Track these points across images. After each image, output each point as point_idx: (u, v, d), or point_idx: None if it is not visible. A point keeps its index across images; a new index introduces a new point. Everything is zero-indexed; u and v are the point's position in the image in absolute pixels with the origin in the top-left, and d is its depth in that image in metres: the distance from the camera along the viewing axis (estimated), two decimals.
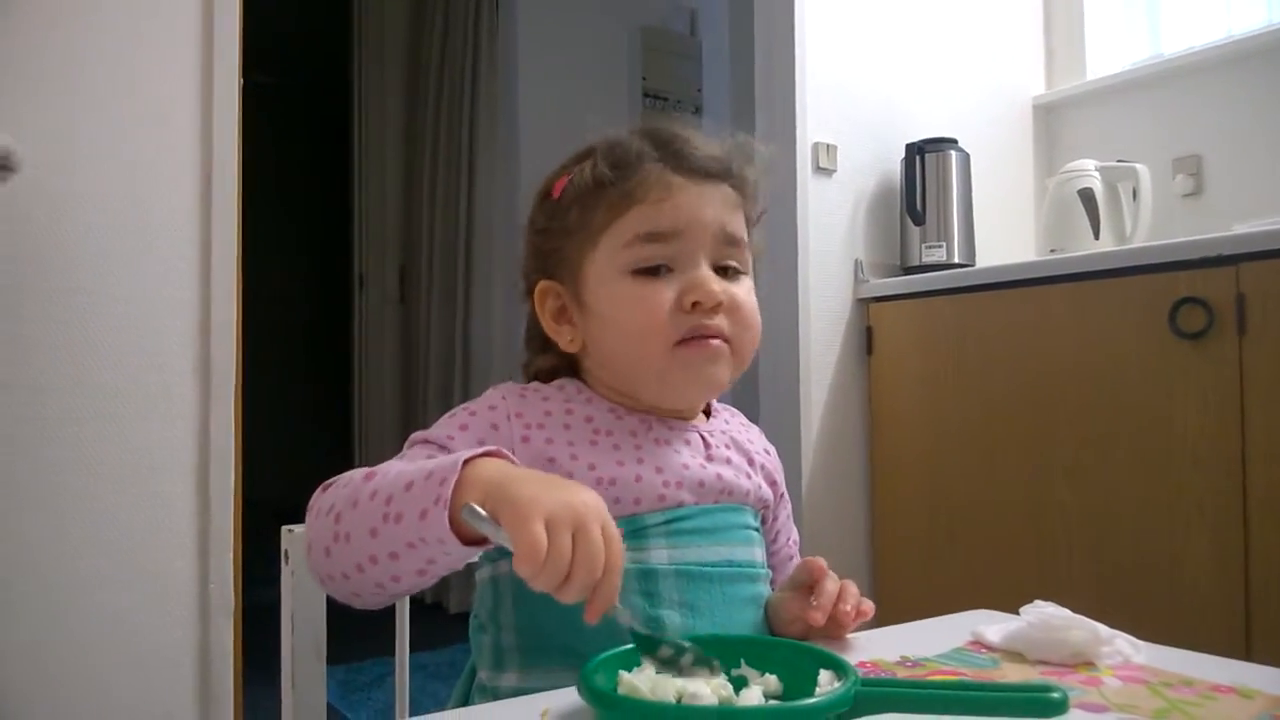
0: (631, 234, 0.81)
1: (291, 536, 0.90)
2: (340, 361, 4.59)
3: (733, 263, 0.84)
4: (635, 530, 0.78)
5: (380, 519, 0.64)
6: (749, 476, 0.87)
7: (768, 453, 0.94)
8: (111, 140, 1.46)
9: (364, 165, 4.19)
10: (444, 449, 0.79)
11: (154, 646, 1.45)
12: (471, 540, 0.62)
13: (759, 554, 0.86)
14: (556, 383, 0.88)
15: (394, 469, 0.67)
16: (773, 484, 0.92)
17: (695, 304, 0.80)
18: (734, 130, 0.89)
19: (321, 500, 0.71)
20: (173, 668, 1.47)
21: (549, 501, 0.58)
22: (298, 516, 0.97)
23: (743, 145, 0.87)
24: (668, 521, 0.79)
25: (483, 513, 0.59)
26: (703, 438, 0.87)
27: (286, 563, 0.90)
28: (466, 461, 0.63)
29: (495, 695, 0.79)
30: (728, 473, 0.85)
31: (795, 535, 0.99)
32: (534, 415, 0.82)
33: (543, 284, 0.88)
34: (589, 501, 0.60)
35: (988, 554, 2.07)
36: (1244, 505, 1.66)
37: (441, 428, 0.81)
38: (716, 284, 0.81)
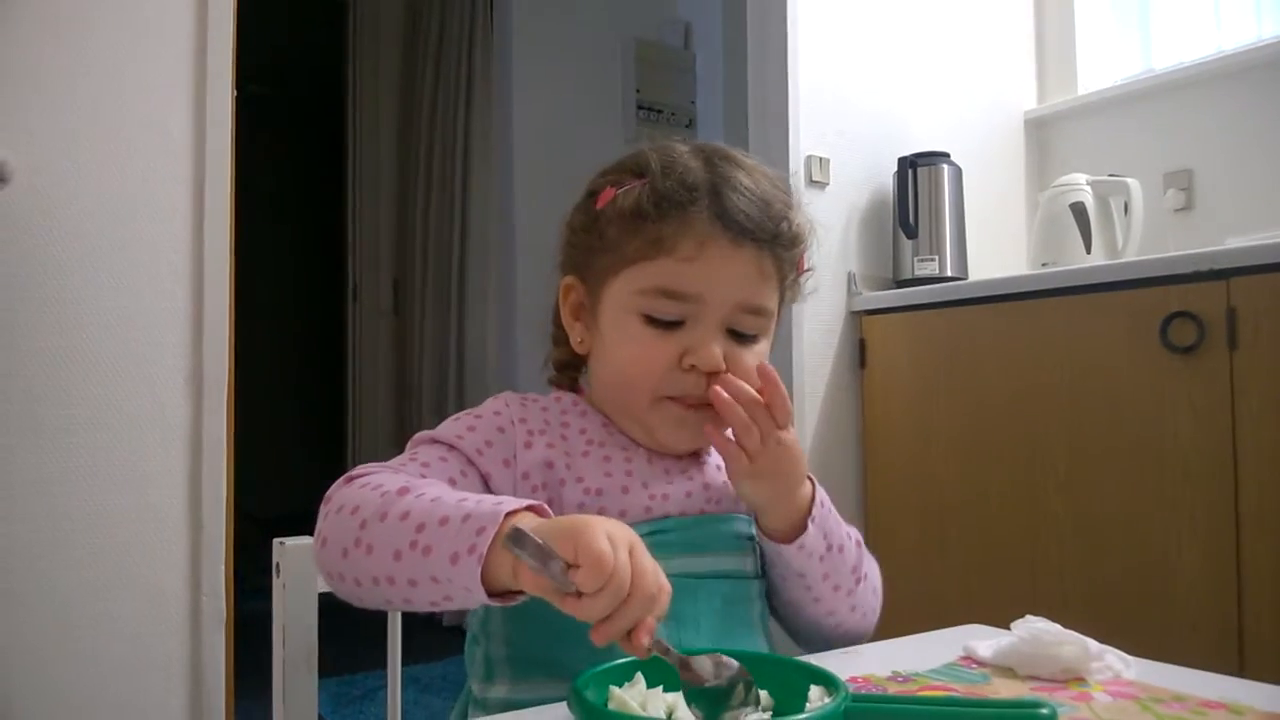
0: (653, 284, 0.80)
1: (283, 550, 0.90)
2: (334, 374, 4.58)
3: (748, 330, 0.82)
4: None
5: (408, 545, 0.63)
6: None
7: None
8: (105, 152, 1.45)
9: (358, 177, 4.19)
10: (453, 449, 0.79)
11: (146, 657, 1.45)
12: (497, 592, 0.61)
13: (749, 562, 0.85)
14: (553, 395, 0.89)
15: (429, 491, 0.66)
16: None
17: (693, 367, 0.80)
18: (784, 177, 0.87)
19: (345, 496, 0.70)
20: (165, 679, 1.46)
21: (608, 525, 0.58)
22: (290, 529, 0.97)
23: (793, 201, 0.85)
24: (652, 534, 0.79)
25: (535, 538, 0.57)
26: (693, 452, 0.88)
27: (278, 575, 0.90)
28: (508, 514, 0.62)
29: (485, 707, 0.79)
30: (717, 479, 0.85)
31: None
32: (535, 422, 0.83)
33: (569, 279, 0.88)
34: (636, 536, 0.60)
35: (980, 567, 2.07)
36: (1235, 519, 1.66)
37: (449, 429, 0.82)
38: (719, 350, 0.79)
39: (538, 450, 0.81)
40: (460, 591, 0.62)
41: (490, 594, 0.61)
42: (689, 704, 0.60)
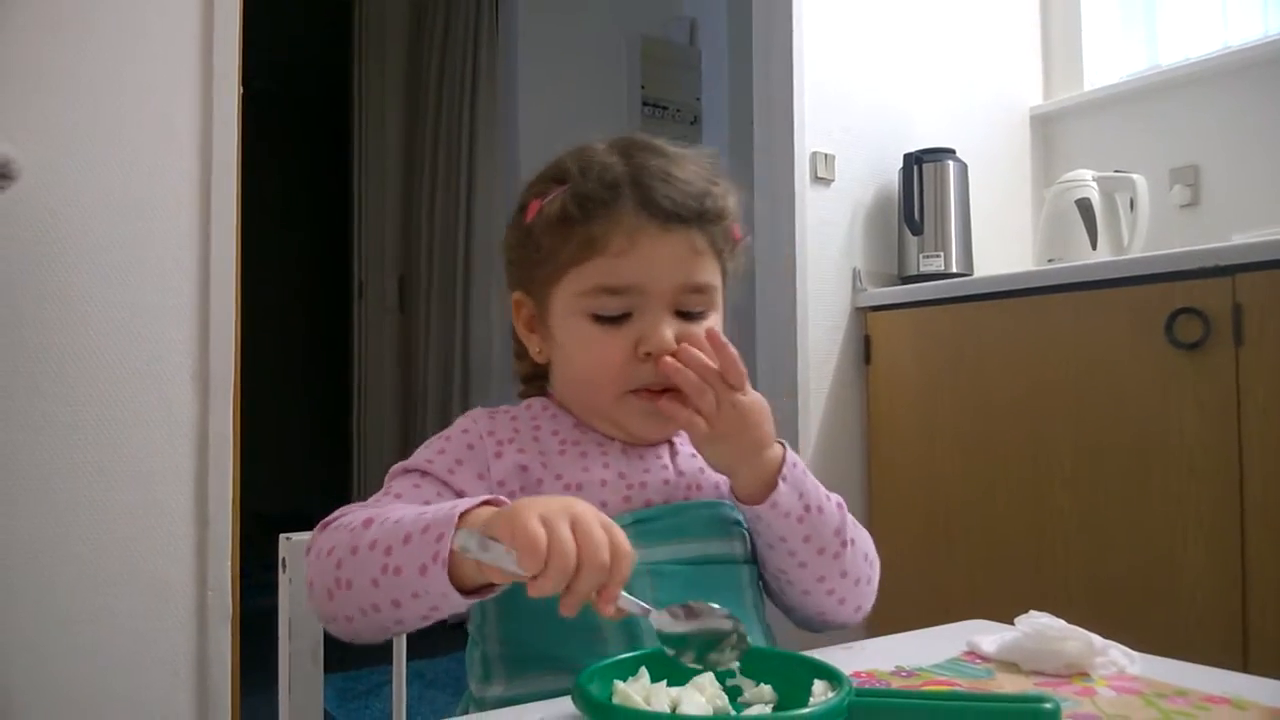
0: (593, 283, 0.82)
1: (289, 544, 0.90)
2: (339, 371, 4.59)
3: (695, 308, 0.84)
4: None
5: (380, 570, 0.64)
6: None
7: None
8: (111, 149, 1.46)
9: (363, 174, 4.19)
10: (426, 474, 0.80)
11: (152, 652, 1.46)
12: (473, 590, 0.62)
13: (738, 546, 0.85)
14: (524, 403, 0.91)
15: (392, 515, 0.67)
16: None
17: (649, 354, 0.81)
18: (703, 150, 0.89)
19: (321, 541, 0.71)
20: (171, 674, 1.47)
21: (541, 504, 0.59)
22: (296, 525, 0.97)
23: (715, 174, 0.86)
24: (635, 523, 0.80)
25: (475, 537, 0.58)
26: (669, 441, 0.89)
27: (284, 570, 0.90)
28: (462, 515, 0.63)
29: (483, 706, 0.80)
30: (692, 467, 0.86)
31: None
32: (505, 432, 0.85)
33: (517, 294, 0.91)
34: (583, 503, 0.61)
35: (985, 563, 2.07)
36: (1241, 515, 1.66)
37: (420, 455, 0.83)
38: (669, 332, 0.81)
39: (509, 458, 0.82)
40: (440, 599, 0.63)
41: (466, 593, 0.62)
42: (671, 655, 0.61)
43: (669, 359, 0.79)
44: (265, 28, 2.31)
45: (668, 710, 0.58)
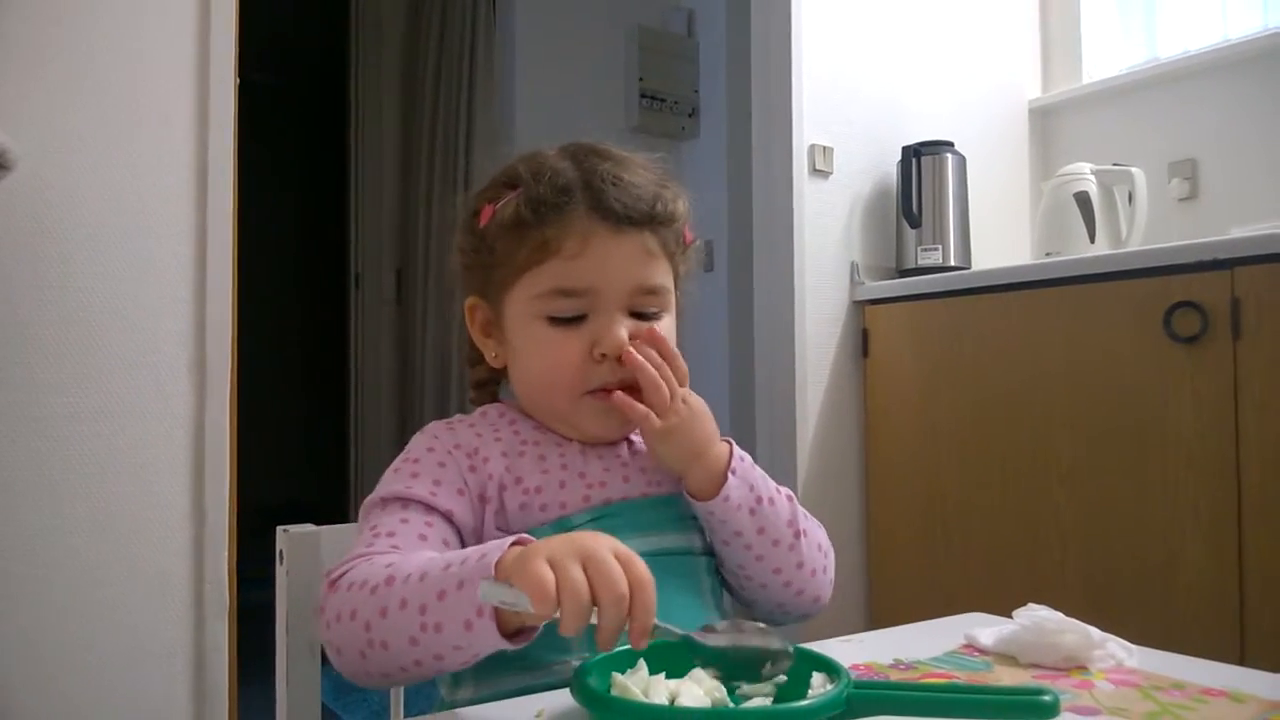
0: (547, 286, 0.83)
1: (286, 537, 0.90)
2: (336, 363, 4.58)
3: (649, 309, 0.85)
4: (563, 532, 0.78)
5: (419, 629, 0.64)
6: None
7: None
8: (107, 138, 1.45)
9: (360, 165, 4.18)
10: (408, 502, 0.79)
11: (149, 645, 1.45)
12: (518, 631, 0.62)
13: (696, 540, 0.86)
14: (479, 411, 0.91)
15: (413, 569, 0.67)
16: None
17: (604, 355, 0.82)
18: (654, 152, 0.90)
19: (338, 604, 0.70)
20: (167, 667, 1.47)
21: (552, 544, 0.59)
22: (293, 517, 0.97)
23: (665, 178, 0.88)
24: (594, 520, 0.81)
25: (496, 588, 0.58)
26: (627, 440, 0.90)
27: (281, 563, 0.90)
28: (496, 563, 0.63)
29: (454, 708, 0.80)
30: (649, 463, 0.87)
31: None
32: (469, 443, 0.85)
33: (471, 299, 0.92)
34: (599, 536, 0.61)
35: (982, 556, 2.07)
36: (1238, 509, 1.66)
37: (393, 484, 0.81)
38: (624, 333, 0.82)
39: (480, 469, 0.83)
40: (485, 648, 0.63)
41: (510, 637, 0.62)
42: (712, 671, 0.61)
43: (633, 353, 0.81)
44: (261, 18, 2.30)
45: (666, 703, 0.58)
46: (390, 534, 0.76)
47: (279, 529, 0.91)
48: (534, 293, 0.83)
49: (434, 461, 0.83)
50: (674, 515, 0.86)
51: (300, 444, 5.01)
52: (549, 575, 0.56)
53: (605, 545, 0.59)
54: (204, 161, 1.52)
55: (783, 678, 0.62)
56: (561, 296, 0.82)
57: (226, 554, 1.51)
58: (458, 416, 0.90)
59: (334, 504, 4.06)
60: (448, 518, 0.79)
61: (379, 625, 0.66)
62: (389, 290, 4.18)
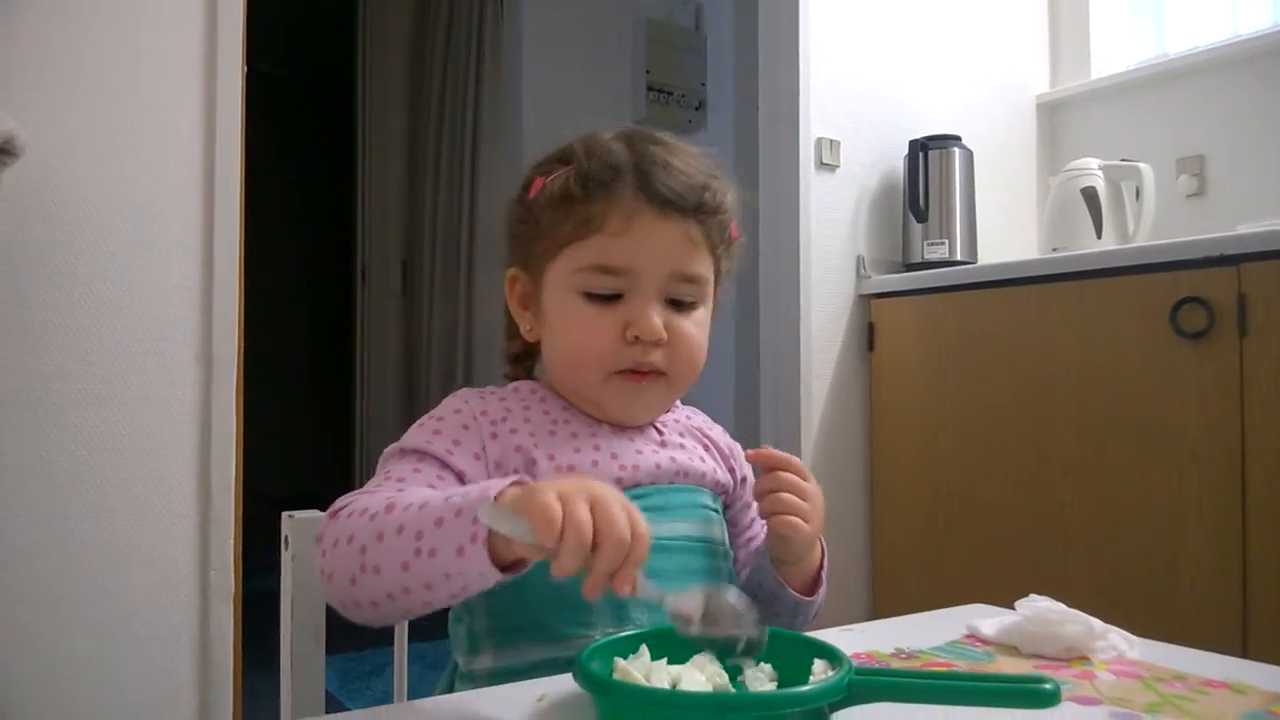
0: (588, 261, 0.83)
1: (292, 522, 0.91)
2: (342, 354, 4.59)
3: (685, 297, 0.85)
4: None
5: (413, 554, 0.64)
6: (704, 460, 0.91)
7: (729, 446, 0.97)
8: (115, 127, 1.46)
9: (367, 157, 4.19)
10: (424, 455, 0.80)
11: (155, 631, 1.46)
12: (509, 565, 0.63)
13: (717, 531, 0.88)
14: (511, 386, 0.92)
15: (413, 500, 0.68)
16: (731, 470, 0.95)
17: (636, 338, 0.83)
18: (707, 148, 0.91)
19: (336, 530, 0.71)
20: (173, 652, 1.48)
21: (561, 482, 0.60)
22: (297, 506, 0.97)
23: (716, 170, 0.88)
24: None
25: (499, 513, 0.59)
26: (656, 427, 0.91)
27: (287, 548, 0.91)
28: (495, 497, 0.63)
29: (473, 680, 0.81)
30: (681, 456, 0.89)
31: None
32: (496, 412, 0.86)
33: (513, 270, 0.92)
34: (603, 484, 0.61)
35: (986, 551, 2.07)
36: (1243, 505, 1.66)
37: (415, 436, 0.83)
38: (658, 319, 0.83)
39: (504, 438, 0.83)
40: (475, 578, 0.63)
41: (501, 570, 0.62)
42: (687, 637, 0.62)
43: (785, 498, 0.81)
44: (269, 9, 2.30)
45: (668, 687, 0.58)
46: (400, 479, 0.77)
47: (284, 514, 0.91)
48: (574, 266, 0.84)
49: (458, 423, 0.84)
50: (699, 504, 0.88)
51: (305, 435, 5.02)
52: (556, 507, 0.57)
53: (612, 492, 0.60)
54: (211, 151, 1.53)
55: (750, 661, 0.63)
56: (600, 273, 0.83)
57: (232, 540, 1.52)
58: (490, 388, 0.91)
59: (338, 494, 4.07)
60: (460, 477, 0.80)
61: (374, 549, 0.66)
62: (395, 283, 4.19)
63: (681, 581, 0.79)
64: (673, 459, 0.88)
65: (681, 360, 0.85)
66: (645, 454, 0.86)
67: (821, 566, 0.88)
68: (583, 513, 0.58)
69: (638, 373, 0.84)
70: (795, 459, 0.84)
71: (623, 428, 0.88)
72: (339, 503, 0.74)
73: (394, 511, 0.67)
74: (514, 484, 0.64)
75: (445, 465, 0.80)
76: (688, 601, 0.61)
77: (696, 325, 0.86)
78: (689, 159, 0.86)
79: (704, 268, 0.87)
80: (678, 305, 0.85)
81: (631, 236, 0.82)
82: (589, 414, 0.88)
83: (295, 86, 5.14)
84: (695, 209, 0.84)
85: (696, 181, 0.84)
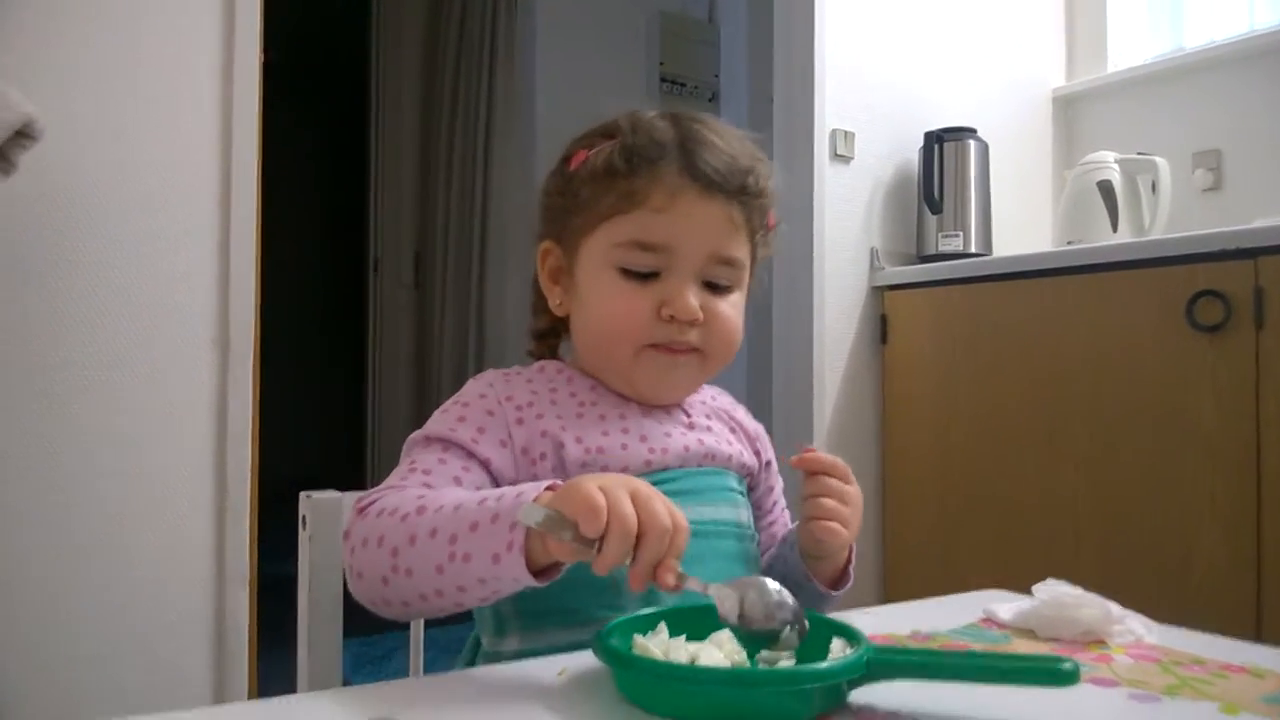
0: (627, 236, 0.82)
1: (310, 502, 0.91)
2: (354, 345, 4.60)
3: (721, 280, 0.85)
4: None
5: (446, 558, 0.65)
6: (730, 443, 0.90)
7: (755, 429, 0.97)
8: (133, 115, 1.47)
9: (379, 148, 4.19)
10: (449, 444, 0.80)
11: (170, 613, 1.47)
12: (543, 570, 0.63)
13: (744, 515, 0.88)
14: (536, 365, 0.91)
15: (446, 501, 0.68)
16: (756, 453, 0.94)
17: (672, 317, 0.82)
18: (755, 134, 0.90)
19: (365, 528, 0.71)
20: (188, 634, 1.49)
21: (600, 478, 0.61)
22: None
23: (760, 154, 0.87)
24: (654, 484, 0.80)
25: (538, 511, 0.59)
26: (683, 409, 0.90)
27: (304, 528, 0.91)
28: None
29: (497, 659, 0.80)
30: (709, 439, 0.88)
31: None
32: (522, 396, 0.85)
33: (546, 243, 0.91)
34: (640, 480, 0.62)
35: (998, 544, 2.07)
36: (1258, 498, 1.65)
37: (440, 424, 0.82)
38: (695, 300, 0.82)
39: (530, 423, 0.82)
40: (509, 583, 0.64)
41: (535, 575, 0.63)
42: (736, 637, 0.62)
43: (824, 503, 0.81)
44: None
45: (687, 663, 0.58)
46: (426, 471, 0.77)
47: (302, 494, 0.92)
48: (612, 241, 0.83)
49: (483, 409, 0.83)
50: (726, 488, 0.87)
51: (318, 426, 5.04)
52: (601, 499, 0.58)
53: (650, 487, 0.61)
54: (228, 138, 1.54)
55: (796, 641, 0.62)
56: (639, 249, 0.82)
57: (247, 523, 1.52)
58: (515, 369, 0.90)
59: (350, 486, 4.08)
60: (485, 466, 0.79)
61: (406, 552, 0.67)
62: (407, 274, 4.20)
63: (711, 566, 0.80)
64: (700, 441, 0.87)
65: (717, 339, 0.85)
66: (673, 436, 0.86)
67: (849, 561, 0.88)
68: (627, 504, 0.58)
69: (672, 348, 0.83)
70: (840, 462, 0.84)
71: (650, 409, 0.87)
72: (366, 498, 0.74)
73: (426, 514, 0.67)
74: (548, 488, 0.64)
75: (471, 454, 0.79)
76: (728, 596, 0.61)
77: (732, 308, 0.86)
78: (734, 140, 0.86)
79: (742, 251, 0.86)
80: (713, 288, 0.84)
81: (673, 214, 0.81)
82: (617, 393, 0.87)
83: (308, 78, 5.15)
84: (739, 191, 0.83)
85: (741, 164, 0.84)
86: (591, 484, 0.59)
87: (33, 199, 1.38)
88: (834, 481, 0.82)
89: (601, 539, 0.58)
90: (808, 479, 0.83)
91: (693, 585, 0.60)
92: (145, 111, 1.48)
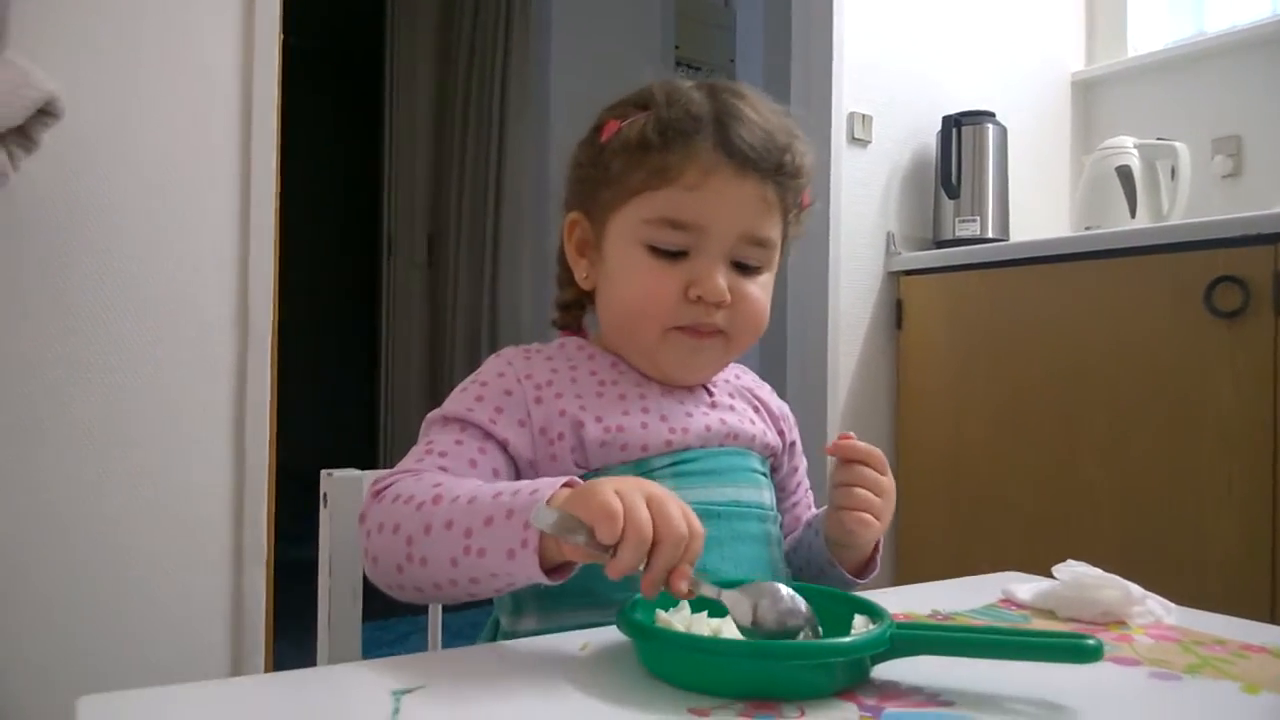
0: (657, 214, 0.80)
1: (330, 481, 0.91)
2: (368, 326, 4.61)
3: (751, 261, 0.83)
4: (643, 473, 0.79)
5: (461, 551, 0.64)
6: (753, 422, 0.89)
7: (779, 408, 0.96)
8: (154, 98, 1.47)
9: (394, 130, 4.19)
10: (466, 424, 0.79)
11: (188, 593, 1.48)
12: (556, 569, 0.63)
13: (766, 496, 0.87)
14: (557, 342, 0.90)
15: (462, 492, 0.67)
16: (781, 433, 0.93)
17: (699, 298, 0.80)
18: (789, 110, 0.87)
19: (380, 514, 0.71)
20: (206, 615, 1.50)
21: (616, 481, 0.60)
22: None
23: (797, 130, 0.84)
24: (674, 464, 0.81)
25: (552, 514, 0.59)
26: (705, 388, 0.89)
27: (325, 506, 0.91)
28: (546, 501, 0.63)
29: (516, 638, 0.81)
30: (731, 418, 0.87)
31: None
32: (541, 374, 0.84)
33: (574, 215, 0.89)
34: (656, 484, 0.61)
35: (1013, 531, 2.07)
36: (1274, 485, 1.65)
37: (458, 403, 0.82)
38: (723, 281, 0.80)
39: (549, 403, 0.81)
40: (522, 579, 0.64)
41: (548, 573, 0.63)
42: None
43: (867, 495, 0.82)
44: None
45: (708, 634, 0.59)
46: (442, 453, 0.77)
47: (323, 472, 0.92)
48: (642, 217, 0.81)
49: (501, 388, 0.82)
50: (746, 468, 0.86)
51: (331, 407, 5.05)
52: (617, 504, 0.57)
53: (666, 491, 0.60)
54: (249, 121, 1.54)
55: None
56: (669, 227, 0.80)
57: (265, 502, 1.53)
58: (535, 346, 0.89)
59: (364, 466, 4.09)
60: (503, 446, 0.79)
61: (421, 541, 0.67)
62: (421, 255, 4.20)
63: (732, 548, 0.80)
64: (723, 421, 0.85)
65: (743, 322, 0.83)
66: (695, 416, 0.84)
67: (877, 550, 0.88)
68: (642, 510, 0.57)
69: (698, 331, 0.82)
70: (876, 451, 0.83)
71: (672, 388, 0.86)
72: (382, 481, 0.74)
73: (442, 504, 0.67)
74: (565, 485, 0.63)
75: (488, 435, 0.79)
76: (741, 602, 0.60)
77: (761, 289, 0.84)
78: (770, 115, 0.83)
79: (774, 231, 0.84)
80: (743, 268, 0.82)
81: (705, 192, 0.79)
82: (639, 370, 0.86)
83: (323, 60, 5.15)
84: (774, 170, 0.81)
85: (778, 141, 0.81)
86: (608, 488, 0.58)
87: (51, 180, 1.39)
88: (869, 472, 0.82)
89: (616, 545, 0.57)
90: (842, 466, 0.82)
91: (706, 592, 0.60)
92: (165, 95, 1.48)
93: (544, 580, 0.62)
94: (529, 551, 0.61)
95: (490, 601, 0.87)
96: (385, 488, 0.73)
